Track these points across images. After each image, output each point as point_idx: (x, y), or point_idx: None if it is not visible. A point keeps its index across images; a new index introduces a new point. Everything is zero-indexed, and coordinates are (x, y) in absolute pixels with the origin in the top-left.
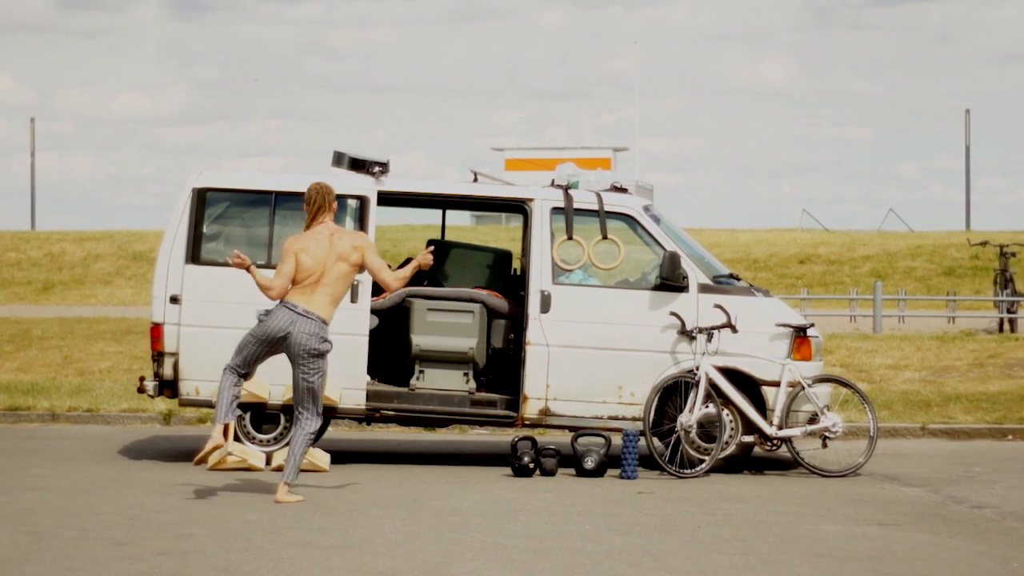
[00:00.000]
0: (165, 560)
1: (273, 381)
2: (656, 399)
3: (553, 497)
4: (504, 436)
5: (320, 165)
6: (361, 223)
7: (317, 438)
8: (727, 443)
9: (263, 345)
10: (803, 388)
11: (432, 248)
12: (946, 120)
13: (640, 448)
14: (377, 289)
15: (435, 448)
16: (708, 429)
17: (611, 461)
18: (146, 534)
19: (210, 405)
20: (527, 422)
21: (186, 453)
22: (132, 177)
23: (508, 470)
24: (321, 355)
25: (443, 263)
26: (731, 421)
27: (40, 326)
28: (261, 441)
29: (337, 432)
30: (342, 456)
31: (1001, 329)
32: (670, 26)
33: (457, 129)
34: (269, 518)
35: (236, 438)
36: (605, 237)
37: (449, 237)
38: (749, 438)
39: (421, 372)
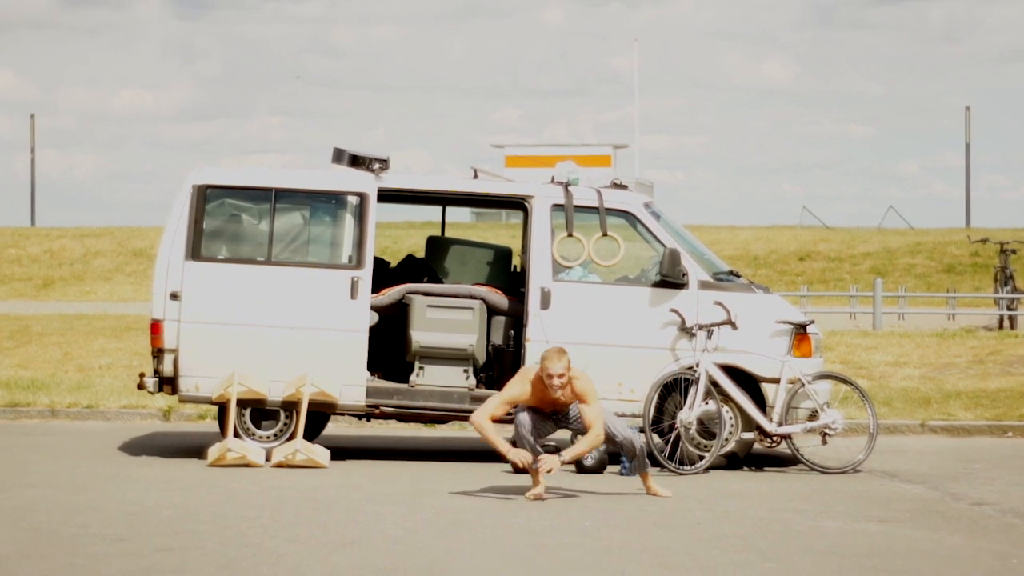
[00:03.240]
0: (165, 556)
1: (273, 378)
2: (656, 396)
3: (553, 493)
4: (505, 433)
5: (321, 162)
6: (361, 220)
7: (316, 435)
8: (727, 440)
9: None
10: (803, 385)
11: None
12: (947, 118)
13: None
14: (377, 286)
15: (435, 445)
16: (708, 426)
17: (611, 458)
18: (146, 530)
19: (209, 401)
20: None
21: (186, 449)
22: (133, 174)
23: (508, 466)
24: None
25: (443, 260)
26: (731, 418)
27: (40, 322)
28: (260, 437)
29: (337, 428)
30: (342, 452)
31: (1001, 326)
32: (671, 24)
33: (458, 126)
34: (269, 514)
35: (236, 434)
36: (605, 234)
37: (449, 234)
38: (749, 435)
39: (421, 368)
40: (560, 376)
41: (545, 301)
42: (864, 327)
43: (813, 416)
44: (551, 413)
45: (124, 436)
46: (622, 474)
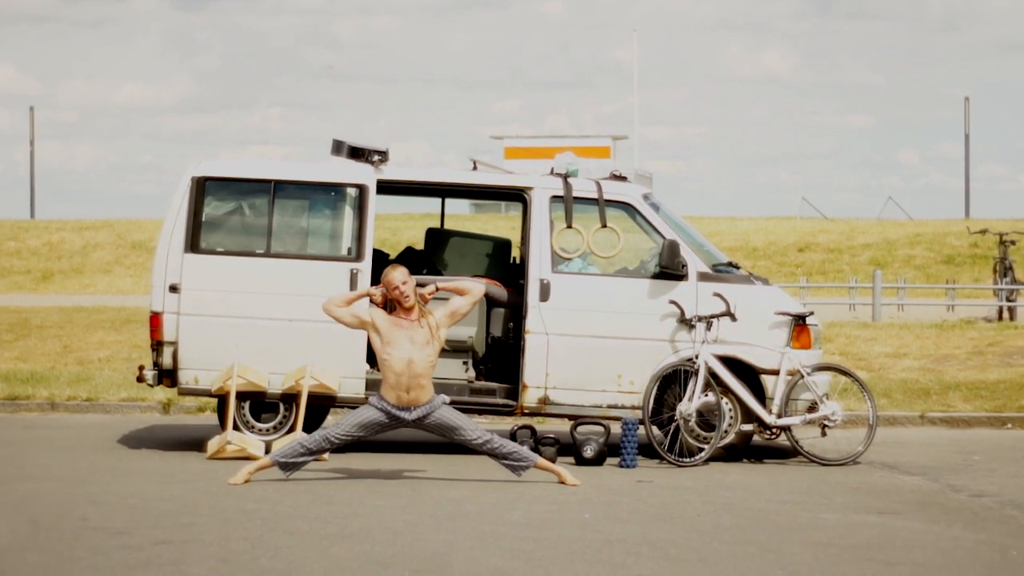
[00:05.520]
0: (164, 549)
1: (272, 370)
2: (655, 388)
3: (552, 486)
4: (503, 425)
5: (321, 154)
6: (360, 212)
7: (316, 428)
8: (726, 432)
9: None
10: (802, 376)
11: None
12: (946, 108)
13: (639, 437)
14: (376, 279)
15: (434, 437)
16: (707, 418)
17: (610, 450)
18: (145, 523)
19: (208, 394)
20: (526, 411)
21: (185, 442)
22: (133, 166)
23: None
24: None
25: (442, 252)
26: (730, 409)
27: (39, 315)
28: (260, 430)
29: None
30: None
31: (1000, 317)
32: (671, 14)
33: (458, 118)
34: (268, 507)
35: (235, 427)
36: (604, 225)
37: (448, 226)
38: (748, 427)
39: None
40: (404, 283)
41: (544, 293)
42: (863, 318)
43: (812, 408)
44: (404, 419)
45: (123, 429)
46: (622, 466)
